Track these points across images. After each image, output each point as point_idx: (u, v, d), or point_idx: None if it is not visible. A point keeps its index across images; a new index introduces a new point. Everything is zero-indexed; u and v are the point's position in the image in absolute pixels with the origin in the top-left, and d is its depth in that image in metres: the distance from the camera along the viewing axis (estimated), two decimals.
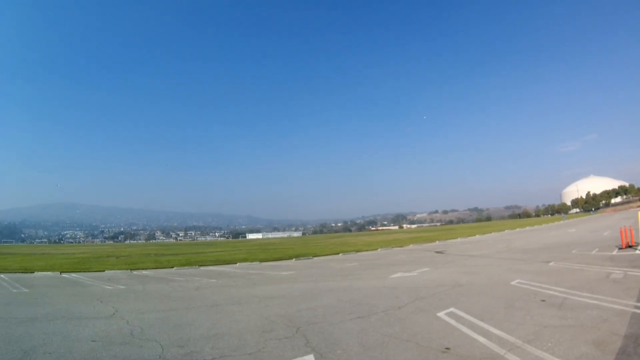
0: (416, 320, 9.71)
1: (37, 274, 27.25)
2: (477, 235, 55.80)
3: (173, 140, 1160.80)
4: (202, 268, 29.36)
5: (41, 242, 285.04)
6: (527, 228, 68.73)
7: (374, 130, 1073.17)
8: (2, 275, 25.84)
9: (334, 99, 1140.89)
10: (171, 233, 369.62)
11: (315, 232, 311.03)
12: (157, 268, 30.12)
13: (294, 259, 33.97)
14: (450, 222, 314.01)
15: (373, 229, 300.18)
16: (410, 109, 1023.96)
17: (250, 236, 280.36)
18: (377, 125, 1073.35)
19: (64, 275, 26.35)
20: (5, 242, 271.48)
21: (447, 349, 7.38)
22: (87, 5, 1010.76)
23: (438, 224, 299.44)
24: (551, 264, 19.04)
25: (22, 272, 28.11)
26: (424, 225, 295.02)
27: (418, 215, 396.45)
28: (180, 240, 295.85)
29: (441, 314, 10.03)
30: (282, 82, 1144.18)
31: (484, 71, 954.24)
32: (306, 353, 7.53)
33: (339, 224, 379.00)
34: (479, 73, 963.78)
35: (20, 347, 8.59)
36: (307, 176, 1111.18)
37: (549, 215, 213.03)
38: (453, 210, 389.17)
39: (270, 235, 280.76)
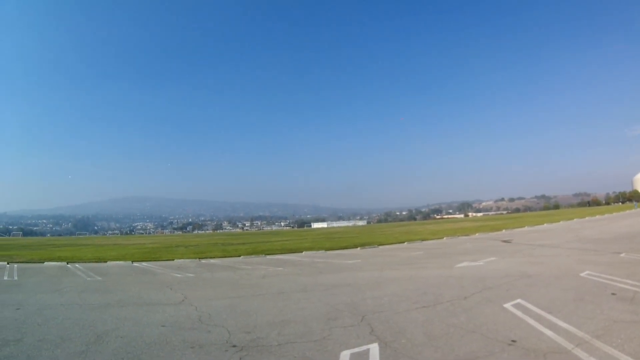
0: (482, 311, 9.54)
1: (109, 263, 28.89)
2: (544, 224, 53.41)
3: (238, 133, 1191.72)
4: (268, 257, 29.98)
5: (113, 233, 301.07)
6: (597, 217, 64.86)
7: (438, 116, 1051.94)
8: (77, 265, 27.61)
9: (397, 84, 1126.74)
10: (238, 223, 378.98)
11: (380, 221, 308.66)
12: (225, 257, 31.06)
13: (359, 248, 33.99)
14: (517, 210, 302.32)
15: (438, 217, 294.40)
16: (474, 93, 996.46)
17: (315, 225, 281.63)
18: (441, 110, 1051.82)
19: (135, 264, 27.82)
20: (80, 234, 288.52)
21: (513, 341, 7.20)
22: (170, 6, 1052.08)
23: (504, 212, 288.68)
24: (622, 255, 18.14)
25: (96, 262, 29.88)
26: (490, 213, 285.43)
27: (484, 203, 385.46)
28: (246, 229, 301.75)
29: (508, 305, 9.79)
30: (343, 70, 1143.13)
31: (549, 53, 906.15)
32: (371, 341, 7.56)
33: (404, 213, 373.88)
34: (543, 55, 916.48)
35: (94, 331, 9.21)
36: (372, 164, 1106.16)
37: (620, 204, 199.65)
38: (520, 198, 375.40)
39: (335, 224, 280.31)
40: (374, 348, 7.18)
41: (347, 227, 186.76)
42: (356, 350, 7.15)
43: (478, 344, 7.16)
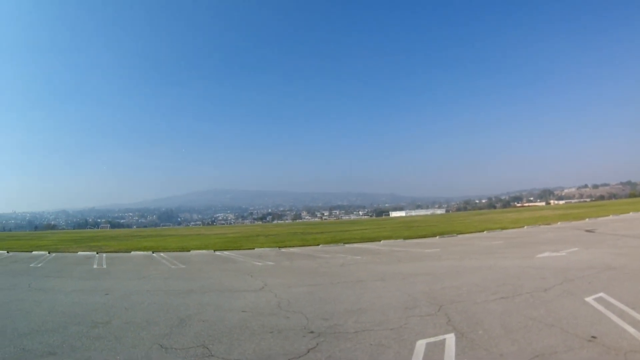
0: (562, 304, 9.19)
1: (192, 252, 30.31)
2: (630, 213, 49.88)
3: (316, 124, 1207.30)
4: (347, 245, 30.23)
5: (196, 224, 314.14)
6: None
7: (518, 100, 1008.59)
8: (162, 254, 29.20)
9: (475, 69, 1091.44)
10: (316, 213, 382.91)
11: (459, 209, 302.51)
12: (304, 246, 31.65)
13: (437, 237, 33.63)
14: (601, 197, 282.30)
15: (519, 205, 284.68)
16: (556, 76, 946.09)
17: (393, 214, 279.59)
18: (520, 94, 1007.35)
19: (217, 253, 28.97)
20: (164, 225, 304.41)
21: (593, 337, 6.87)
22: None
23: (587, 199, 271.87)
24: None
25: (180, 251, 31.51)
26: (572, 201, 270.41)
27: (566, 191, 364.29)
28: (325, 219, 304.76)
29: (589, 299, 9.33)
30: (417, 57, 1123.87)
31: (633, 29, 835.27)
32: (447, 332, 7.54)
33: (483, 201, 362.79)
34: (624, 36, 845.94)
35: (177, 315, 9.87)
36: (450, 152, 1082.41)
37: None
38: (604, 185, 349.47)
39: (414, 212, 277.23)
40: (450, 338, 7.15)
41: (426, 215, 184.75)
42: (432, 340, 7.15)
43: (557, 338, 6.94)
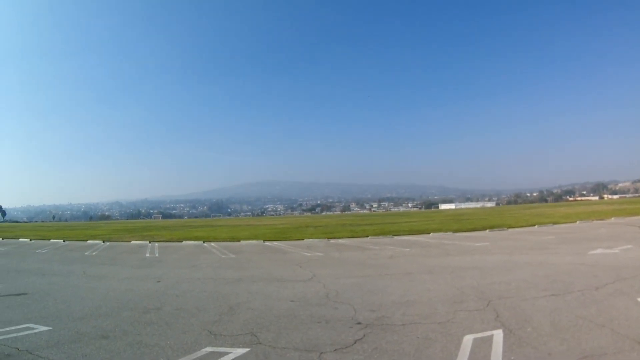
0: (614, 303, 8.75)
1: (242, 242, 30.90)
2: None
3: (366, 115, 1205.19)
4: (395, 237, 30.10)
5: (245, 215, 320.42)
6: None
7: (571, 91, 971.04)
8: (212, 244, 29.98)
9: (528, 60, 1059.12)
10: (365, 204, 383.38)
11: (509, 203, 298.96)
12: (352, 237, 31.72)
13: (487, 230, 33.13)
14: None
15: (571, 199, 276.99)
16: (608, 63, 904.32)
17: (442, 206, 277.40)
18: (575, 85, 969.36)
19: (267, 243, 29.45)
20: (214, 215, 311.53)
21: None
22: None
23: None
24: None
25: (230, 241, 32.17)
26: (627, 195, 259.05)
27: (620, 185, 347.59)
28: (374, 211, 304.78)
29: None
30: (465, 47, 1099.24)
31: None
32: (495, 328, 7.36)
33: (534, 194, 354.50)
34: None
35: (227, 303, 10.13)
36: (501, 144, 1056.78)
37: None
38: None
39: (463, 205, 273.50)
40: (498, 334, 6.98)
41: (476, 208, 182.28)
42: (480, 335, 7.00)
43: (606, 339, 6.61)
